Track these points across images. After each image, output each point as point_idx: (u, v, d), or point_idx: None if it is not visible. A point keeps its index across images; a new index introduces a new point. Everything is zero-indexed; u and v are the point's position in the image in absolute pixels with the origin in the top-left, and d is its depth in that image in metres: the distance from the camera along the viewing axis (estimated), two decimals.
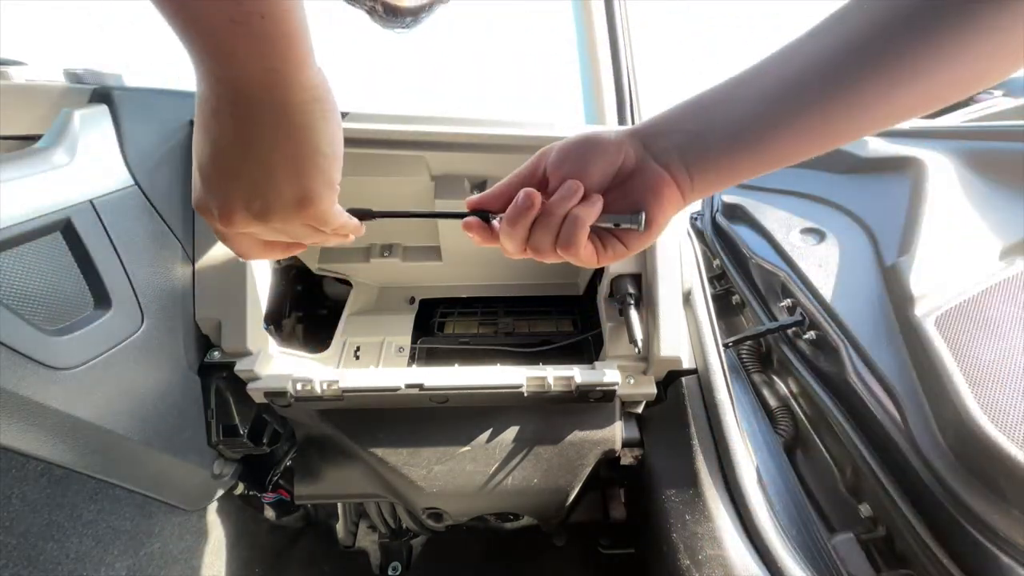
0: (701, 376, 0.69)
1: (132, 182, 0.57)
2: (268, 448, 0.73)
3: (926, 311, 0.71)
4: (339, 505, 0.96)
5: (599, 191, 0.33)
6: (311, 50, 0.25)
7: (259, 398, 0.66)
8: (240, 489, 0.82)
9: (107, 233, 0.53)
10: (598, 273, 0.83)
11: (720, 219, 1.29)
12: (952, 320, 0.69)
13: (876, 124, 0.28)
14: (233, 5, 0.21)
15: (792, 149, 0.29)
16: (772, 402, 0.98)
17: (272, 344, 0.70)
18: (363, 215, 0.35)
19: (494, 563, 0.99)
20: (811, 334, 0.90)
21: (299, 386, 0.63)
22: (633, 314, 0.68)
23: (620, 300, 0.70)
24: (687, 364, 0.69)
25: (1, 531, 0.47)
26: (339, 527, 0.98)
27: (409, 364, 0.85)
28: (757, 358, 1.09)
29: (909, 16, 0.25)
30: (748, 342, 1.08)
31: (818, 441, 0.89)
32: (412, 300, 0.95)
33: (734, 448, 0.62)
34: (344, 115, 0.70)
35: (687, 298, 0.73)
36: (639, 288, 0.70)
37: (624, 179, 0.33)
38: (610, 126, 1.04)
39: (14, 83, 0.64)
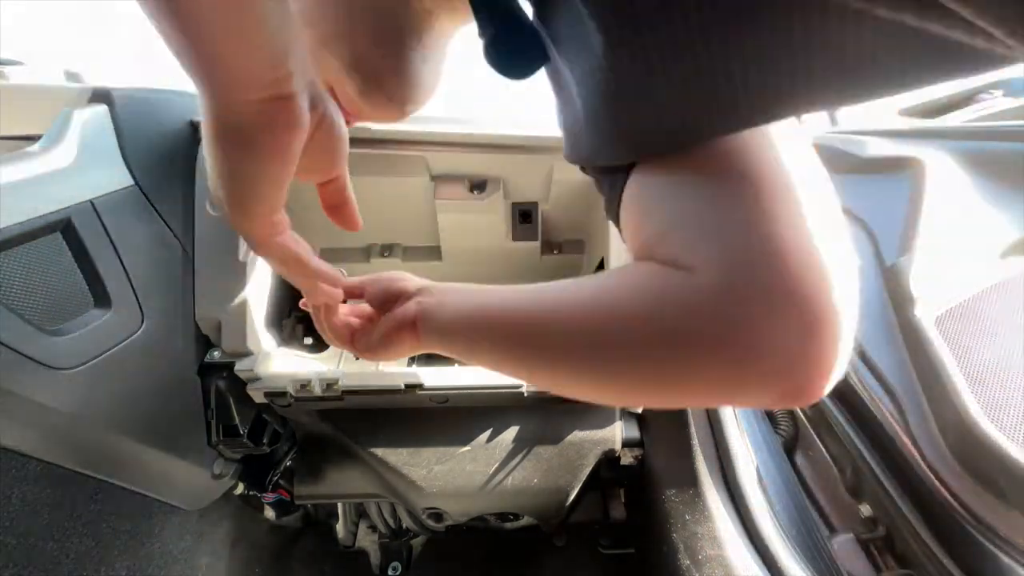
0: None
1: (132, 182, 0.57)
2: (268, 448, 0.73)
3: (926, 311, 0.71)
4: (339, 505, 0.96)
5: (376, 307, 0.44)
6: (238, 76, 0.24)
7: (259, 398, 0.66)
8: (240, 489, 0.82)
9: (107, 233, 0.53)
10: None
11: None
12: (952, 320, 0.69)
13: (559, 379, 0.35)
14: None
15: (472, 354, 0.37)
16: None
17: (272, 344, 0.70)
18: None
19: (494, 563, 0.99)
20: None
21: (299, 386, 0.63)
22: None
23: None
24: None
25: (1, 531, 0.47)
26: (339, 527, 0.98)
27: (409, 364, 0.85)
28: None
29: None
30: None
31: (818, 441, 0.89)
32: None
33: (734, 448, 0.62)
34: None
35: None
36: None
37: (389, 307, 0.42)
38: None
39: (14, 83, 0.64)
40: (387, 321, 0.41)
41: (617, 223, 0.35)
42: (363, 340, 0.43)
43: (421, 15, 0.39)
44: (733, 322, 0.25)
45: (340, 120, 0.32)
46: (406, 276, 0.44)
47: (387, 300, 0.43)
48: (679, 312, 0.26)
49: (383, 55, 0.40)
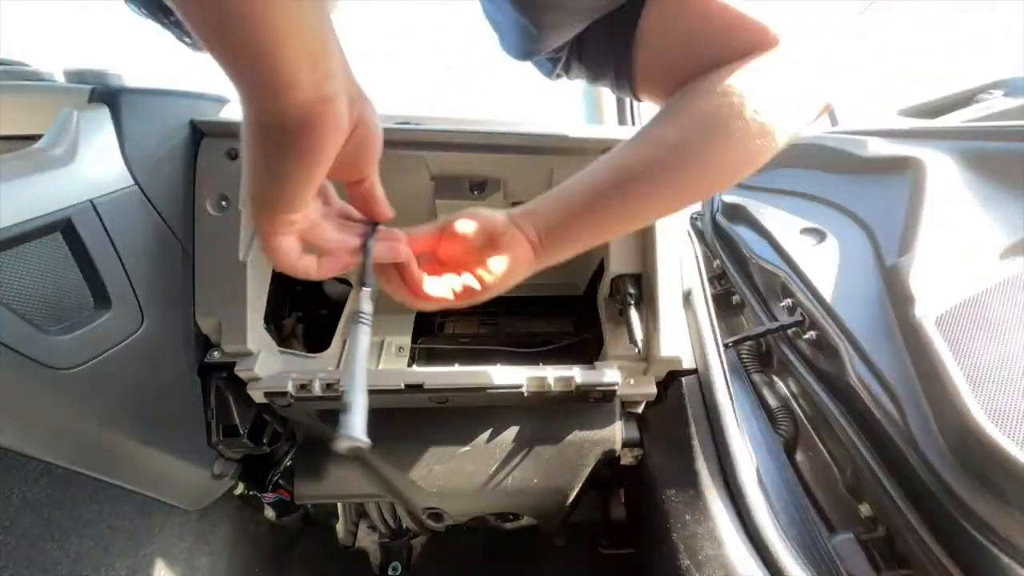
0: (701, 376, 0.69)
1: (132, 182, 0.57)
2: (268, 448, 0.73)
3: (926, 311, 0.71)
4: (339, 505, 0.96)
5: (479, 245, 0.43)
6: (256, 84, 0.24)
7: (259, 398, 0.66)
8: (240, 489, 0.82)
9: (107, 233, 0.53)
10: (598, 273, 0.83)
11: (720, 219, 1.29)
12: (952, 320, 0.69)
13: (650, 216, 0.48)
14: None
15: (605, 226, 0.42)
16: (772, 402, 0.98)
17: (272, 344, 0.70)
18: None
19: (494, 563, 0.99)
20: (811, 334, 0.90)
21: (299, 386, 0.63)
22: (633, 314, 0.67)
23: (620, 300, 0.70)
24: (687, 364, 0.69)
25: (1, 531, 0.47)
26: (339, 527, 0.98)
27: (409, 364, 0.85)
28: (757, 358, 1.09)
29: (650, 164, 0.40)
30: (748, 342, 1.08)
31: (818, 441, 0.89)
32: None
33: (734, 448, 0.62)
34: None
35: (687, 298, 0.73)
36: (639, 288, 0.70)
37: (495, 240, 0.43)
38: (610, 126, 1.04)
39: (14, 83, 0.64)
40: (500, 257, 0.42)
41: (625, 83, 0.44)
42: (470, 289, 0.42)
43: None
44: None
45: (376, 121, 0.32)
46: (478, 214, 0.43)
47: (486, 243, 0.42)
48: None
49: None
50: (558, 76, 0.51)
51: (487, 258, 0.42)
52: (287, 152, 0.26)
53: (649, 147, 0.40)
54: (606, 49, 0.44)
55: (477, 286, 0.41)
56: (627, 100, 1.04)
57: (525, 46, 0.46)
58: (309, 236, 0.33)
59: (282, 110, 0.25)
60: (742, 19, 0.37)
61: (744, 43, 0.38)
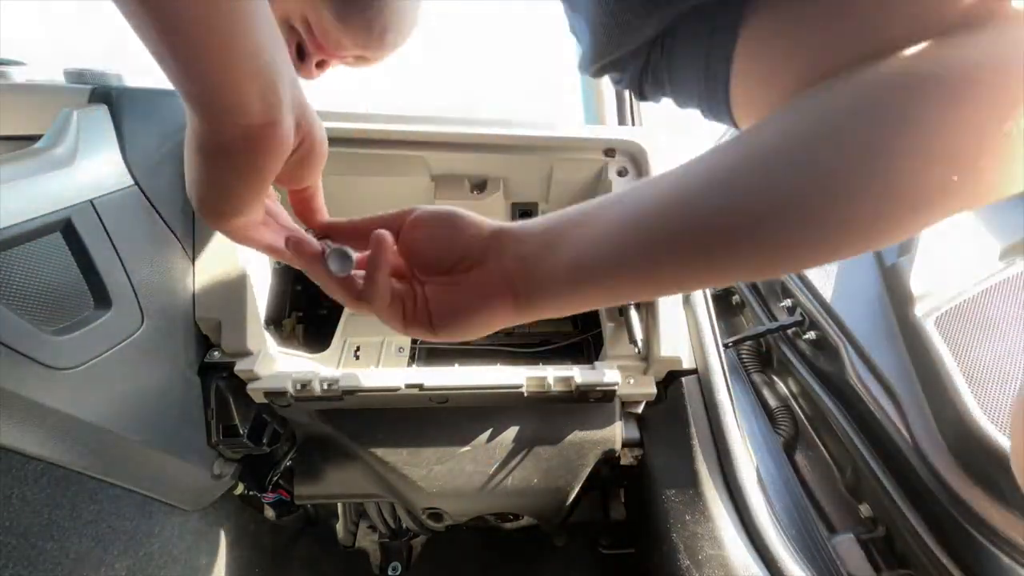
0: (701, 376, 0.69)
1: (132, 182, 0.57)
2: (268, 448, 0.73)
3: (926, 311, 0.71)
4: (339, 505, 0.96)
5: (437, 269, 0.33)
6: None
7: (259, 398, 0.66)
8: (240, 489, 0.82)
9: (107, 233, 0.53)
10: None
11: None
12: (952, 320, 0.70)
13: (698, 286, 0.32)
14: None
15: (619, 291, 0.28)
16: (772, 402, 0.98)
17: (272, 344, 0.70)
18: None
19: (494, 563, 0.99)
20: (811, 334, 0.90)
21: (299, 386, 0.63)
22: (633, 314, 0.67)
23: None
24: (687, 364, 0.69)
25: (1, 531, 0.47)
26: (339, 527, 0.98)
27: (409, 364, 0.85)
28: (757, 358, 1.09)
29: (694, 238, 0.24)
30: (748, 342, 1.08)
31: (818, 441, 0.89)
32: None
33: (734, 448, 0.62)
34: (329, 116, 0.70)
35: (687, 298, 0.73)
36: None
37: (467, 268, 0.32)
38: (610, 126, 1.04)
39: (14, 83, 0.64)
40: (466, 292, 0.31)
41: (717, 95, 0.27)
42: (419, 321, 0.32)
43: None
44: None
45: (322, 135, 0.31)
46: (456, 213, 0.33)
47: (448, 258, 0.32)
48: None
49: None
50: (643, 94, 0.35)
51: (449, 286, 0.32)
52: (231, 167, 0.27)
53: (759, 147, 0.23)
54: (699, 44, 0.27)
55: (427, 323, 0.31)
56: (627, 100, 1.04)
57: (601, 47, 0.31)
58: (248, 233, 0.33)
59: (228, 130, 0.25)
60: None
61: (935, 15, 0.20)
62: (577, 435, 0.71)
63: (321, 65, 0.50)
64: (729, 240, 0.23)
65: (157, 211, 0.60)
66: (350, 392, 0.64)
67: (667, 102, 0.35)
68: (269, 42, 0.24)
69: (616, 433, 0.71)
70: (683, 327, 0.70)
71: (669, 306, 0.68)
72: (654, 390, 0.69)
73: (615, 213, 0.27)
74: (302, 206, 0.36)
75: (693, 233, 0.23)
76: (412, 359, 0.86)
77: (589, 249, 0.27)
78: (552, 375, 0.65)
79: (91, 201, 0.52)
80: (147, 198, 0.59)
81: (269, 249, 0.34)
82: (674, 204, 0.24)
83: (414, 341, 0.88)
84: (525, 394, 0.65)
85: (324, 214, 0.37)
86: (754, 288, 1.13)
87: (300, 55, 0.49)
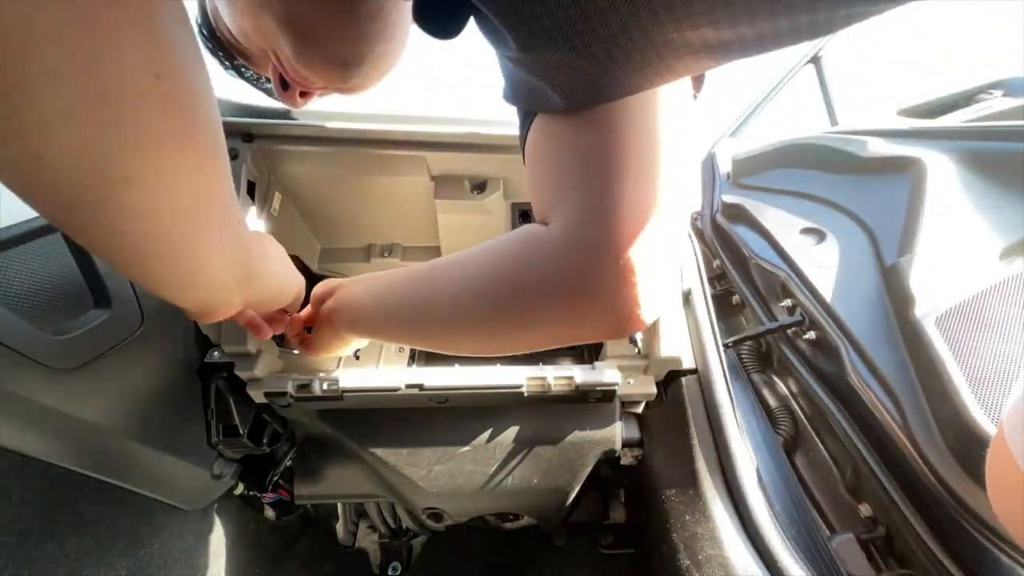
0: (701, 376, 0.69)
1: None
2: (268, 448, 0.73)
3: (926, 311, 0.71)
4: (339, 505, 0.96)
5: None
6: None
7: (259, 398, 0.66)
8: (240, 489, 0.82)
9: None
10: None
11: (720, 219, 1.29)
12: (952, 320, 0.70)
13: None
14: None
15: (403, 324, 0.42)
16: (772, 402, 0.98)
17: (272, 344, 0.70)
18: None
19: (494, 563, 0.99)
20: (811, 334, 0.90)
21: (299, 386, 0.63)
22: None
23: None
24: (687, 364, 0.69)
25: (1, 531, 0.47)
26: (339, 527, 0.98)
27: (409, 364, 0.85)
28: (757, 358, 1.09)
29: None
30: (748, 342, 1.08)
31: (818, 441, 0.89)
32: None
33: (734, 448, 0.62)
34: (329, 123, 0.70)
35: (687, 298, 0.73)
36: None
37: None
38: None
39: None
40: (317, 322, 0.50)
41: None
42: (307, 342, 0.52)
43: None
44: (568, 268, 0.29)
45: (276, 289, 0.41)
46: (332, 280, 0.50)
47: (319, 304, 0.50)
48: (535, 260, 0.31)
49: (320, 11, 0.39)
50: None
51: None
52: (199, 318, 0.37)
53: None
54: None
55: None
56: None
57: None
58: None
59: (185, 306, 0.34)
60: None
61: None
62: (577, 435, 0.71)
63: (304, 95, 0.49)
64: (443, 331, 0.38)
65: None
66: (350, 392, 0.64)
67: None
68: (208, 267, 0.31)
69: (616, 433, 0.71)
70: (683, 327, 0.70)
71: (669, 306, 0.68)
72: (654, 390, 0.69)
73: (379, 282, 0.44)
74: (269, 318, 0.48)
75: (417, 308, 0.39)
76: (412, 359, 0.86)
77: (360, 304, 0.45)
78: (552, 375, 0.65)
79: None
80: None
81: (253, 328, 0.46)
82: (419, 283, 0.39)
83: None
84: (525, 394, 0.65)
85: (270, 332, 0.48)
86: (754, 288, 1.13)
87: (284, 85, 0.47)
